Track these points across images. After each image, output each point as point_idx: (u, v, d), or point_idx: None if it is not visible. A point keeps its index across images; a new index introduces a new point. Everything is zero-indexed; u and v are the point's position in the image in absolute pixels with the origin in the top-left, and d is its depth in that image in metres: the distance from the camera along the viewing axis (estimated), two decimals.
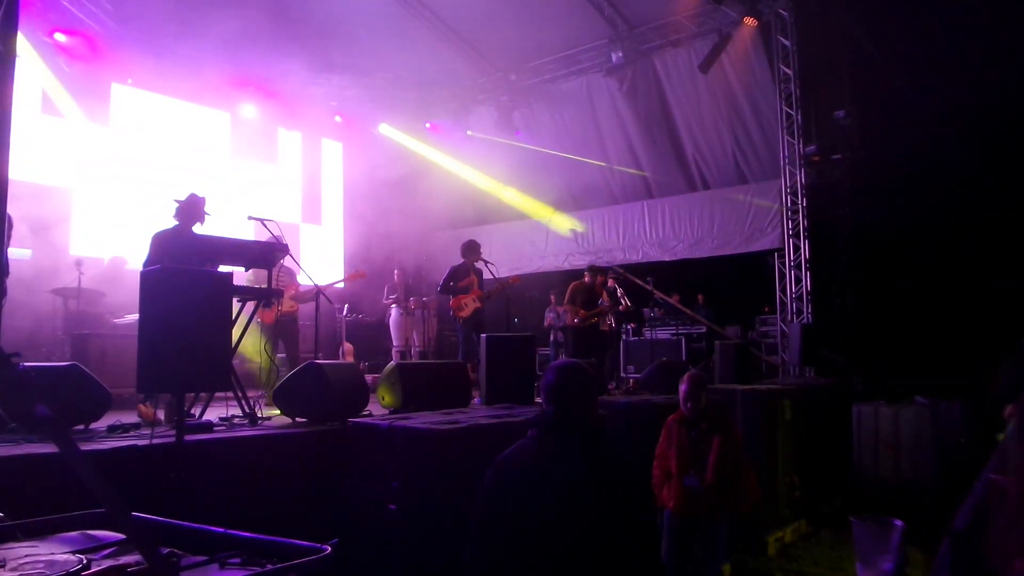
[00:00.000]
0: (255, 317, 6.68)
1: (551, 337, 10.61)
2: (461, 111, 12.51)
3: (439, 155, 12.59)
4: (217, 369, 3.83)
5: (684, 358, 9.82)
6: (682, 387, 4.11)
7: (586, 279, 8.56)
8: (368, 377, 6.87)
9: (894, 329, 8.11)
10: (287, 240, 5.89)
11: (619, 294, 8.76)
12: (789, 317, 9.46)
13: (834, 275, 9.18)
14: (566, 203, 12.07)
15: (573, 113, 11.49)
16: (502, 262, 12.14)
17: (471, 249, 7.85)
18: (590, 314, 8.32)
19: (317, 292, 6.34)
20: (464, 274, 7.81)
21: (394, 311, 10.02)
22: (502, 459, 2.34)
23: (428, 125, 12.80)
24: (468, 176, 12.36)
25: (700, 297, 11.39)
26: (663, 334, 10.51)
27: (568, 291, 8.51)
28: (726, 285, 11.13)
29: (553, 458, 2.29)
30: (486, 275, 7.89)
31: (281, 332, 6.90)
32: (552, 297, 10.99)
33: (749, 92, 9.92)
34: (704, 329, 10.45)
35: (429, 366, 5.94)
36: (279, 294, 6.61)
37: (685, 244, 10.64)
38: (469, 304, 7.67)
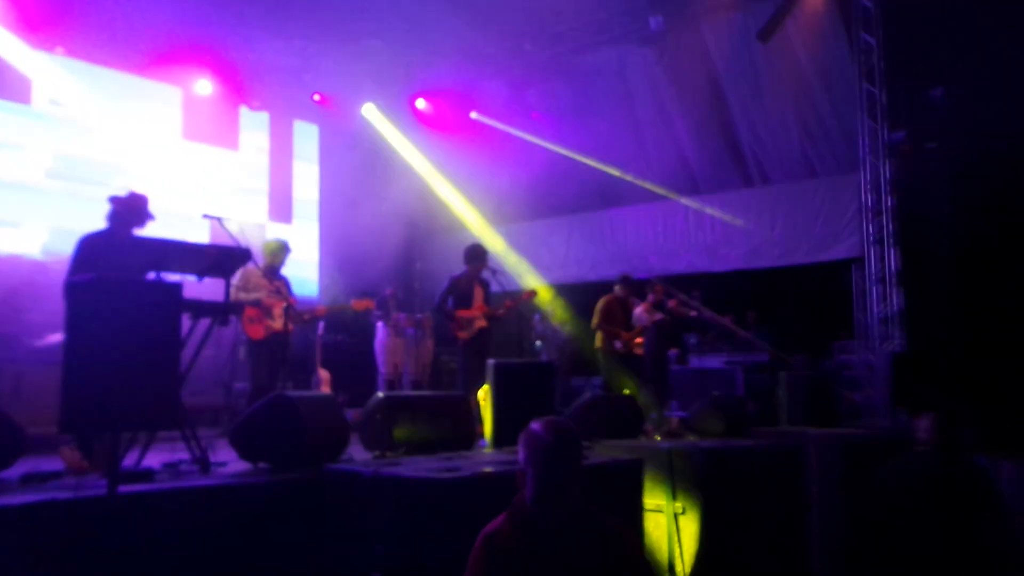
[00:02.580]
0: (242, 334, 6.88)
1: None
2: (464, 88, 12.56)
3: (434, 142, 12.64)
4: (161, 403, 3.79)
5: (741, 392, 9.75)
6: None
7: (617, 292, 8.55)
8: (349, 412, 6.86)
9: (1012, 359, 7.97)
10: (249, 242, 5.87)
11: (672, 305, 8.78)
12: (874, 343, 9.37)
13: (931, 291, 9.08)
14: (592, 200, 12.08)
15: (601, 91, 11.52)
16: (514, 272, 12.11)
17: (475, 255, 7.85)
18: (634, 333, 8.41)
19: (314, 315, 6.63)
20: (466, 286, 7.79)
21: (381, 331, 10.02)
22: (491, 533, 2.51)
23: (423, 104, 12.85)
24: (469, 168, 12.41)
25: (751, 316, 11.35)
26: (713, 362, 10.44)
27: (600, 309, 8.49)
28: (791, 303, 11.06)
29: (547, 533, 2.45)
30: (494, 287, 7.86)
31: (273, 353, 6.94)
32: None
33: (820, 65, 9.88)
34: (766, 357, 10.37)
35: (424, 399, 5.91)
36: (237, 309, 6.61)
37: (740, 252, 10.60)
38: (472, 323, 7.64)
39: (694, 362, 10.50)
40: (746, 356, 10.41)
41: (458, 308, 7.76)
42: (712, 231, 10.87)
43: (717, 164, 11.06)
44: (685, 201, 11.18)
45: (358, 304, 7.63)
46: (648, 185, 11.57)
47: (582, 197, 12.10)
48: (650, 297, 8.83)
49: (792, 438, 5.87)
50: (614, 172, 11.70)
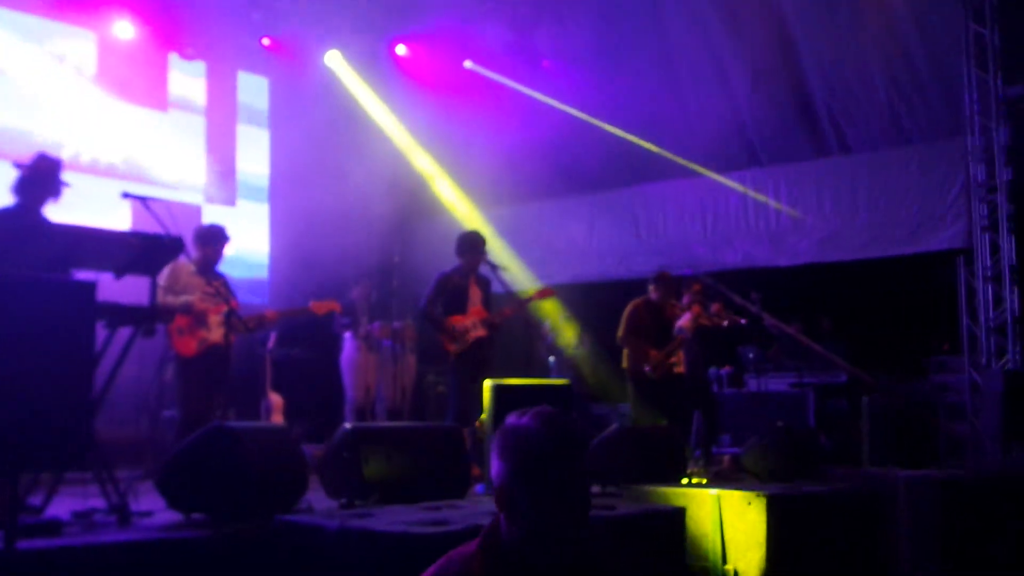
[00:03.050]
0: (170, 349, 6.92)
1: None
2: (455, 31, 12.58)
3: (417, 101, 12.67)
4: (70, 436, 3.82)
5: (812, 422, 9.75)
6: None
7: (652, 295, 8.54)
8: (307, 448, 6.87)
9: None
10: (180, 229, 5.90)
11: (714, 311, 8.78)
12: (984, 360, 9.38)
13: None
14: (620, 174, 12.11)
15: (630, 33, 11.52)
16: (523, 268, 12.02)
17: (471, 246, 7.88)
18: (667, 351, 8.36)
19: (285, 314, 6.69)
20: (460, 286, 7.83)
21: (348, 343, 10.04)
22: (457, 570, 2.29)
23: (402, 51, 12.88)
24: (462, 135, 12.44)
25: (825, 324, 11.36)
26: (777, 384, 10.46)
27: (625, 318, 8.50)
28: (876, 308, 11.06)
29: None
30: (496, 287, 7.90)
31: (208, 372, 6.98)
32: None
33: (915, 4, 9.88)
34: (843, 377, 10.37)
35: (404, 432, 5.95)
36: (167, 316, 6.64)
37: (812, 240, 10.61)
38: (467, 333, 7.67)
39: (752, 384, 10.49)
40: (819, 376, 10.39)
41: (449, 314, 7.79)
42: (776, 214, 10.87)
43: (782, 128, 11.05)
44: (739, 177, 11.22)
45: (318, 307, 7.65)
46: (689, 164, 11.59)
47: (607, 170, 12.11)
48: (685, 299, 8.81)
49: (877, 481, 5.89)
50: (645, 144, 11.70)
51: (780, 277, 10.80)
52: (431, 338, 8.62)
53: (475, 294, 7.88)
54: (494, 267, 7.86)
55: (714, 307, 8.83)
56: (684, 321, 8.63)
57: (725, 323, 8.78)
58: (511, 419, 2.28)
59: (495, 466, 2.26)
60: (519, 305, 8.14)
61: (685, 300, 8.85)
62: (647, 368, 8.35)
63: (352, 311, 10.15)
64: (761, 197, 11.00)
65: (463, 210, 12.83)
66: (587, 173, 12.24)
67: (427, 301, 7.85)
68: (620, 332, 8.55)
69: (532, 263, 12.07)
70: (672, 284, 8.69)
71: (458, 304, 7.82)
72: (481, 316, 7.80)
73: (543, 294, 8.34)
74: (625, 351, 8.63)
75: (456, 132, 12.43)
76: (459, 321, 7.75)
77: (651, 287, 8.65)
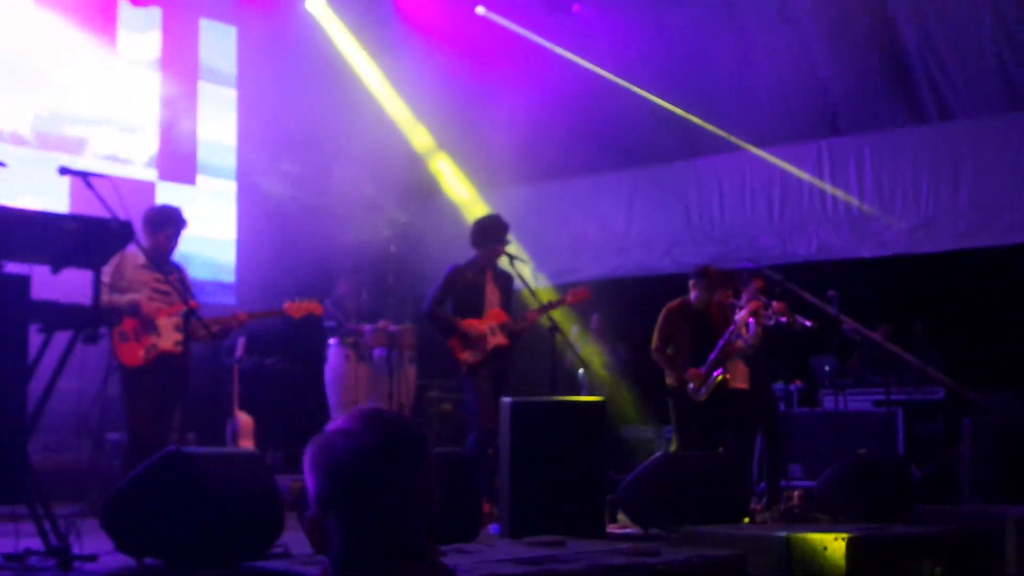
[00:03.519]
0: (114, 358, 6.89)
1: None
2: None
3: (418, 55, 12.67)
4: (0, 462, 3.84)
5: (901, 450, 9.72)
6: None
7: (691, 295, 8.52)
8: (283, 480, 6.88)
9: None
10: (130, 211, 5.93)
11: (773, 311, 8.73)
12: None
13: None
14: (666, 145, 12.15)
15: None
16: (546, 261, 12.03)
17: (491, 234, 7.92)
18: (712, 364, 8.31)
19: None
20: (475, 283, 7.85)
21: (334, 351, 10.06)
22: None
23: None
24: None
25: (919, 328, 11.32)
26: (858, 402, 10.48)
27: (657, 328, 8.47)
28: (981, 309, 11.02)
29: None
30: (519, 285, 7.94)
31: (160, 386, 6.98)
32: (596, 321, 11.38)
33: None
34: (940, 393, 10.35)
35: None
36: (113, 318, 6.67)
37: (903, 227, 10.63)
38: (485, 340, 7.72)
39: (827, 402, 10.51)
40: (909, 392, 10.43)
41: (462, 316, 7.82)
42: (858, 194, 10.90)
43: (868, 89, 11.07)
44: (814, 149, 11.24)
45: (294, 309, 7.65)
46: (753, 122, 11.55)
47: (651, 140, 12.18)
48: (743, 296, 8.74)
49: (981, 520, 5.88)
50: (694, 119, 11.68)
51: (863, 272, 10.82)
52: (436, 345, 8.60)
53: (493, 293, 7.91)
54: (511, 259, 7.86)
55: (775, 306, 8.77)
56: (742, 315, 8.56)
57: (784, 320, 8.74)
58: (332, 424, 2.05)
59: (307, 482, 2.01)
60: (546, 309, 8.00)
61: (743, 298, 8.77)
62: (690, 387, 8.33)
63: (338, 312, 10.16)
64: (839, 178, 11.03)
65: (472, 190, 12.88)
66: (626, 144, 12.29)
67: (433, 300, 7.86)
68: (653, 344, 8.55)
69: (555, 254, 12.14)
70: (718, 280, 8.65)
71: (472, 305, 7.84)
72: (501, 320, 7.83)
73: (577, 296, 8.25)
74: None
75: (465, 95, 12.45)
76: (475, 325, 7.77)
77: (691, 283, 8.61)
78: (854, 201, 10.97)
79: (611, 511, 7.06)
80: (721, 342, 8.45)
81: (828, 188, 11.10)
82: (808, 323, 8.82)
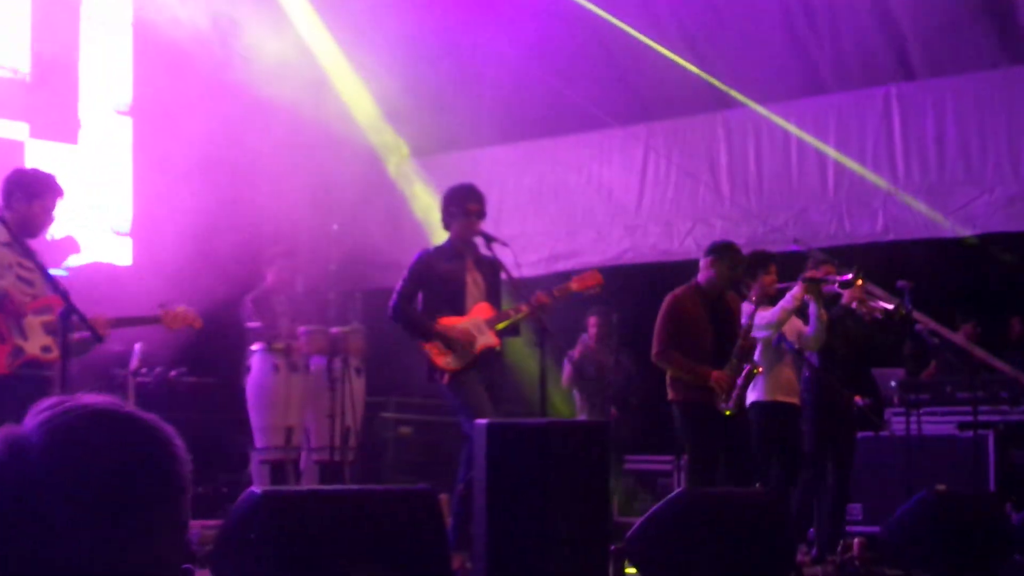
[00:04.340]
0: None
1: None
2: None
3: None
4: None
5: (992, 485, 9.86)
6: None
7: (702, 277, 8.64)
8: (193, 526, 6.97)
9: None
10: None
11: (850, 298, 8.86)
12: None
13: None
14: (689, 95, 12.31)
15: None
16: (534, 243, 12.19)
17: (456, 206, 8.06)
18: (736, 362, 8.38)
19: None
20: (451, 272, 8.03)
21: (259, 361, 10.12)
22: None
23: None
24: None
25: (1016, 327, 11.40)
26: (936, 424, 10.51)
27: (663, 319, 8.56)
28: None
29: None
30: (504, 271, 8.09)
31: (24, 404, 6.89)
32: (594, 321, 11.33)
33: None
34: None
35: (346, 499, 5.99)
36: None
37: (997, 197, 10.75)
38: (470, 342, 7.87)
39: (896, 424, 10.49)
40: (1004, 412, 10.49)
41: (438, 313, 7.96)
42: (937, 156, 11.02)
43: (953, 22, 11.17)
44: (881, 95, 11.34)
45: (170, 320, 7.36)
46: (804, 61, 11.69)
47: (669, 89, 12.30)
48: (797, 285, 8.69)
49: None
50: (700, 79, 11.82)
51: (943, 256, 10.99)
52: (391, 352, 8.55)
53: (475, 284, 8.05)
54: (488, 242, 7.96)
55: (848, 294, 8.91)
56: (792, 296, 8.66)
57: (876, 314, 8.79)
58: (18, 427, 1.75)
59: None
60: (546, 299, 7.94)
61: (798, 287, 8.80)
62: (721, 403, 8.26)
63: (263, 310, 10.24)
64: (912, 135, 11.12)
65: (452, 150, 13.03)
66: (637, 91, 12.45)
67: (400, 296, 7.96)
68: (656, 347, 8.50)
69: (546, 234, 12.34)
70: (740, 261, 8.69)
71: (451, 299, 7.97)
72: (488, 316, 7.94)
73: (585, 282, 8.26)
74: (668, 374, 8.61)
75: (437, 33, 12.55)
76: (455, 325, 7.87)
77: (706, 262, 8.62)
78: (932, 163, 11.07)
79: (617, 565, 6.98)
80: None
81: (898, 149, 11.19)
82: (890, 306, 8.94)
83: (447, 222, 8.08)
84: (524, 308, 7.88)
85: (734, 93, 11.83)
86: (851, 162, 11.43)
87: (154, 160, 12.65)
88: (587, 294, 8.51)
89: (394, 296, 8.01)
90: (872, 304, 9.07)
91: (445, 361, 7.80)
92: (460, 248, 8.04)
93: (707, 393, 8.31)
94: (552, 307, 7.83)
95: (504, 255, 8.04)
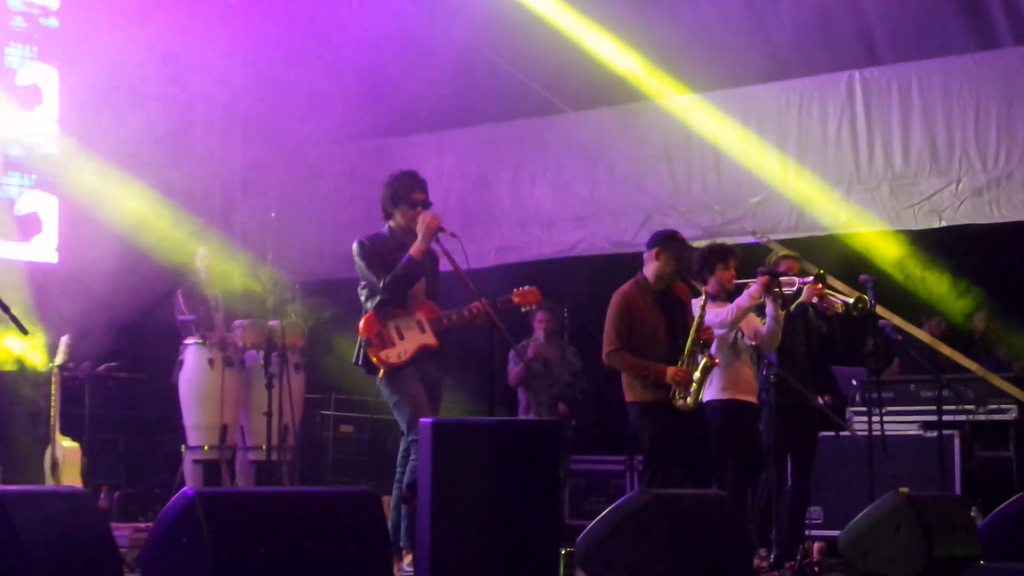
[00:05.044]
0: None
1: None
2: None
3: None
4: None
5: (958, 487, 9.84)
6: None
7: (648, 269, 8.53)
8: (121, 531, 6.81)
9: None
10: None
11: (812, 292, 8.79)
12: None
13: None
14: (640, 78, 12.20)
15: None
16: (481, 234, 12.13)
17: (413, 196, 7.91)
18: (689, 360, 8.28)
19: None
20: (397, 261, 7.82)
21: (190, 354, 10.01)
22: None
23: None
24: None
25: (980, 321, 11.39)
26: (900, 423, 10.46)
27: (613, 316, 8.41)
28: None
29: None
30: (448, 263, 7.88)
31: None
32: (541, 318, 11.18)
33: None
34: (1012, 411, 10.41)
35: (285, 501, 5.91)
36: None
37: (968, 187, 10.67)
38: (406, 336, 7.78)
39: (859, 424, 10.36)
40: (970, 411, 10.45)
41: (378, 302, 7.81)
42: (901, 144, 10.98)
43: (919, 10, 11.17)
44: (845, 80, 11.32)
45: None
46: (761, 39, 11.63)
47: (621, 79, 12.22)
48: (756, 283, 8.66)
49: None
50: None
51: (906, 249, 10.95)
52: (331, 348, 8.52)
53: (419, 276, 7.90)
54: (433, 232, 7.80)
55: (811, 289, 8.76)
56: (749, 294, 8.52)
57: (839, 300, 8.74)
58: None
59: None
60: (486, 311, 7.78)
61: (755, 285, 8.68)
62: (680, 399, 8.19)
63: (196, 302, 10.19)
64: (877, 122, 11.06)
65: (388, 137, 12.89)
66: (590, 75, 12.32)
67: (375, 286, 7.78)
68: (607, 345, 8.42)
69: (494, 225, 12.19)
70: (686, 251, 8.62)
71: (392, 292, 7.77)
72: (433, 315, 7.87)
73: (525, 298, 8.22)
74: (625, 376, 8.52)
75: (385, 16, 12.41)
76: (395, 317, 7.79)
77: (650, 254, 8.50)
78: (897, 153, 11.04)
79: (567, 569, 7.02)
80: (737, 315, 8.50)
81: (861, 135, 11.18)
82: (851, 299, 8.81)
83: (389, 211, 7.95)
84: (465, 315, 7.84)
85: (664, 82, 11.84)
86: (813, 150, 11.43)
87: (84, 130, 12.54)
88: (524, 310, 8.49)
89: (375, 288, 7.79)
90: (832, 298, 8.95)
91: (378, 354, 7.69)
92: (402, 239, 7.87)
93: (664, 391, 8.22)
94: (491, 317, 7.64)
95: (453, 246, 7.82)
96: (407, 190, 7.90)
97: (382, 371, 7.71)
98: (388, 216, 7.96)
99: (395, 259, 7.77)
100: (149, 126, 11.77)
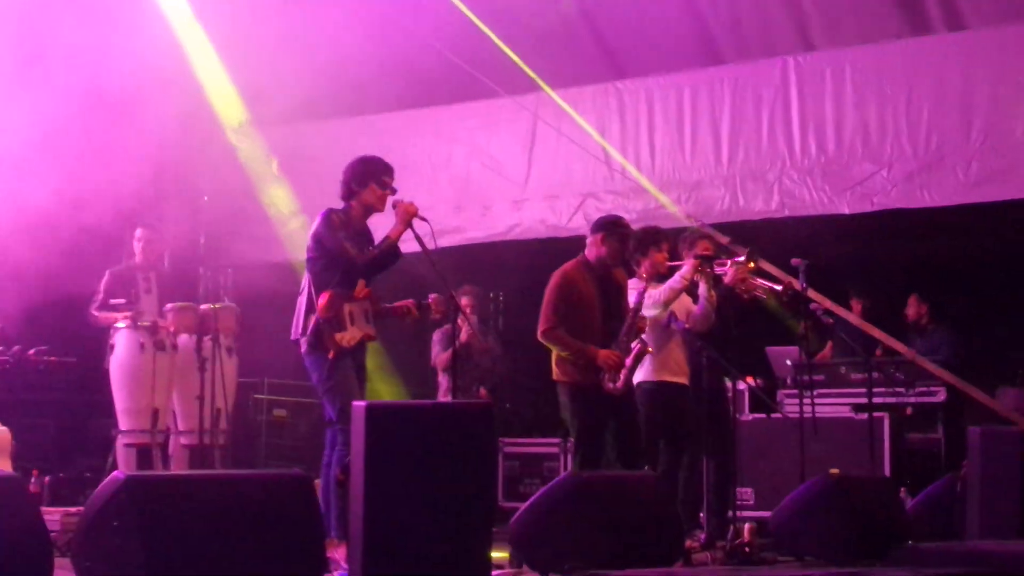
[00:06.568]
0: None
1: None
2: None
3: None
4: None
5: (888, 469, 9.93)
6: None
7: (591, 252, 8.61)
8: (53, 513, 6.80)
9: None
10: None
11: (732, 279, 8.88)
12: None
13: None
14: (574, 61, 12.29)
15: None
16: (426, 215, 12.34)
17: (384, 179, 7.94)
18: (624, 336, 8.39)
19: None
20: (355, 244, 7.88)
21: (121, 338, 9.95)
22: None
23: None
24: None
25: (913, 308, 11.48)
26: (831, 405, 10.57)
27: (551, 294, 8.48)
28: (997, 281, 11.28)
29: None
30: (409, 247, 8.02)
31: None
32: (466, 302, 11.10)
33: None
34: (940, 393, 10.49)
35: (217, 485, 5.92)
36: None
37: (899, 172, 10.73)
38: (356, 322, 7.80)
39: (791, 406, 10.46)
40: (900, 393, 10.58)
41: (326, 285, 7.78)
42: (835, 132, 11.02)
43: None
44: (779, 66, 11.34)
45: None
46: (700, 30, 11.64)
47: (559, 56, 12.26)
48: (687, 264, 8.74)
49: (992, 561, 6.03)
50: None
51: (838, 233, 11.08)
52: (264, 331, 8.44)
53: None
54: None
55: (730, 274, 8.85)
56: (681, 276, 8.65)
57: (757, 290, 8.81)
58: None
59: None
60: (414, 311, 8.09)
61: (686, 266, 8.85)
62: (609, 383, 8.30)
63: (126, 283, 10.14)
64: (810, 108, 11.10)
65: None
66: (524, 58, 12.25)
67: (352, 256, 7.75)
68: (543, 323, 8.47)
69: (430, 208, 11.92)
70: (630, 236, 8.70)
71: (344, 275, 7.78)
72: (375, 306, 7.92)
73: (440, 307, 8.24)
74: (554, 355, 8.58)
75: None
76: (347, 305, 7.76)
77: (593, 239, 8.61)
78: (830, 138, 11.09)
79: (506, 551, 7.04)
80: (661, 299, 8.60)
81: (795, 123, 11.22)
82: (778, 286, 8.88)
83: (354, 190, 7.89)
84: (400, 308, 8.04)
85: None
86: (747, 135, 11.44)
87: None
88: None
89: (347, 259, 7.74)
90: (752, 283, 9.09)
91: (339, 337, 7.66)
92: (362, 220, 7.96)
93: (594, 373, 8.30)
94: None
95: (421, 228, 7.93)
96: (381, 172, 7.91)
97: (332, 353, 7.67)
98: (351, 195, 7.91)
99: (356, 238, 7.83)
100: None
